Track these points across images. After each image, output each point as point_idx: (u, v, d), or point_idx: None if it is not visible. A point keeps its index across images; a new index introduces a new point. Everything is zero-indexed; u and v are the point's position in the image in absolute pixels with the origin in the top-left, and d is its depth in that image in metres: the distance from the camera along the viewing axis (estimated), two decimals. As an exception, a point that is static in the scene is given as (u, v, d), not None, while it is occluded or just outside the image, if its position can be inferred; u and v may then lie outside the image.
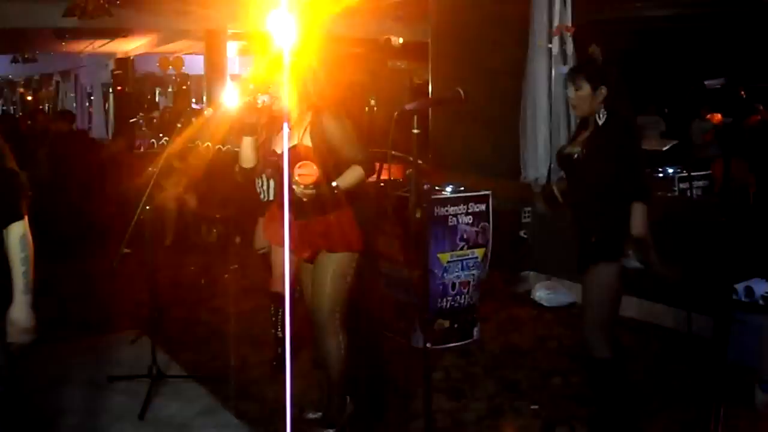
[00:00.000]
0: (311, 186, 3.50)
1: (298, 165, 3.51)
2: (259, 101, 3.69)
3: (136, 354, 4.91)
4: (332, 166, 3.68)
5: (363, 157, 3.70)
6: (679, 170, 7.07)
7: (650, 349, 5.23)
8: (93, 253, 7.10)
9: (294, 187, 3.51)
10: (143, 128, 13.18)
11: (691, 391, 4.38)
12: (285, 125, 3.77)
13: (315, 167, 3.50)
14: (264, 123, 3.85)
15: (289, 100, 3.74)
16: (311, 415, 4.15)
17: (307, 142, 3.69)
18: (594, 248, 3.60)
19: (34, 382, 4.56)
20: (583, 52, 6.08)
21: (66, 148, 8.98)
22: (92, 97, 20.76)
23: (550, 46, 6.46)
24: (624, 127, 3.60)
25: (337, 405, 3.96)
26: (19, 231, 2.74)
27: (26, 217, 2.77)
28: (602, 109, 3.60)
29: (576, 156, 3.64)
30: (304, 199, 3.54)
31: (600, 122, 3.60)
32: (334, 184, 3.63)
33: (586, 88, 3.59)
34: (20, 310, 2.73)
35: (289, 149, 3.73)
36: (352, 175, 3.68)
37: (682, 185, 6.96)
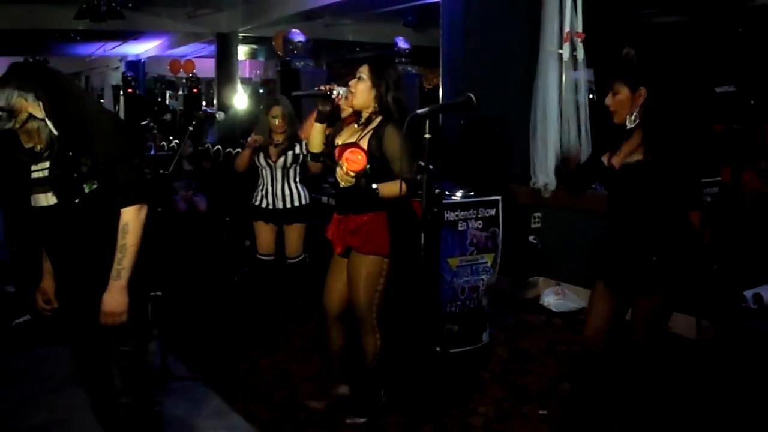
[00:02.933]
0: (354, 174, 3.61)
1: (349, 150, 3.66)
2: (335, 91, 3.86)
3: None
4: (377, 174, 3.77)
5: (409, 177, 3.74)
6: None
7: (659, 354, 5.22)
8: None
9: (338, 169, 3.67)
10: (153, 131, 13.21)
11: (699, 397, 4.37)
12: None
13: (364, 157, 3.62)
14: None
15: (362, 99, 3.88)
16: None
17: (364, 144, 3.81)
18: (655, 269, 3.40)
19: (44, 384, 4.59)
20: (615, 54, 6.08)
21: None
22: (102, 100, 20.87)
23: (560, 51, 6.47)
24: (673, 132, 3.40)
25: (370, 396, 4.14)
26: (123, 218, 2.89)
27: (137, 206, 2.90)
28: (639, 114, 3.41)
29: (633, 165, 3.42)
30: (342, 184, 3.71)
31: (644, 128, 3.41)
32: (374, 186, 3.72)
33: (624, 92, 3.44)
34: (107, 293, 2.89)
35: (346, 144, 3.89)
36: (393, 187, 3.71)
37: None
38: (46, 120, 2.81)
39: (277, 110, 5.65)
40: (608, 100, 3.48)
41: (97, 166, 2.83)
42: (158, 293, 3.04)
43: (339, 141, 4.00)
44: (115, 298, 2.88)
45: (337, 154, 3.93)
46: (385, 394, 4.19)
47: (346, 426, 4.13)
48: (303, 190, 5.77)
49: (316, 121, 3.98)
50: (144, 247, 2.95)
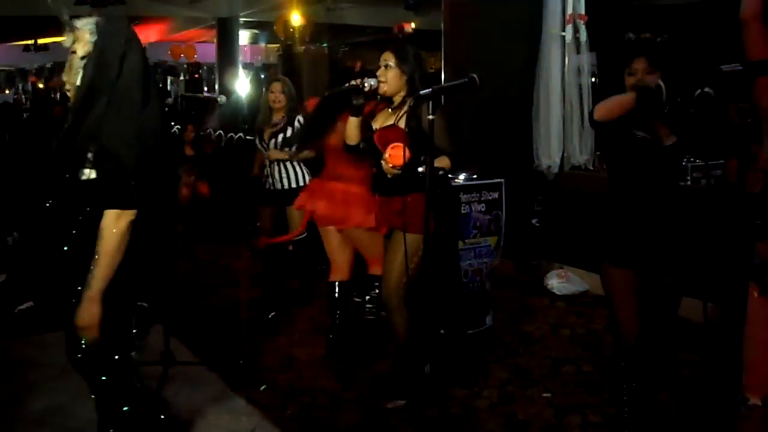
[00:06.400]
0: (398, 167, 3.70)
1: (390, 146, 3.74)
2: (366, 85, 3.90)
3: (148, 340, 4.92)
4: (421, 152, 3.77)
5: (452, 150, 3.87)
6: (692, 159, 7.00)
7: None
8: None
9: (382, 162, 3.78)
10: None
11: (704, 381, 4.37)
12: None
13: (406, 150, 3.66)
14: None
15: (394, 85, 3.98)
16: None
17: (402, 125, 3.91)
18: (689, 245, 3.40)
19: (46, 370, 4.58)
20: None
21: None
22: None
23: (563, 34, 6.43)
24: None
25: (404, 375, 4.14)
26: (103, 221, 2.62)
27: (117, 212, 2.61)
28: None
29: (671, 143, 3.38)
30: (388, 176, 3.83)
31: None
32: (420, 169, 3.76)
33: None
34: (79, 304, 2.65)
35: (384, 128, 4.04)
36: (439, 165, 3.81)
37: (695, 174, 6.90)
38: (81, 65, 2.72)
39: (277, 86, 5.66)
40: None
41: (95, 156, 2.62)
42: (144, 304, 2.83)
43: (376, 125, 4.11)
44: (85, 310, 2.62)
45: (376, 139, 4.03)
46: (428, 366, 4.19)
47: (351, 409, 4.13)
48: (303, 171, 5.70)
49: (352, 115, 4.05)
50: (127, 258, 2.67)
